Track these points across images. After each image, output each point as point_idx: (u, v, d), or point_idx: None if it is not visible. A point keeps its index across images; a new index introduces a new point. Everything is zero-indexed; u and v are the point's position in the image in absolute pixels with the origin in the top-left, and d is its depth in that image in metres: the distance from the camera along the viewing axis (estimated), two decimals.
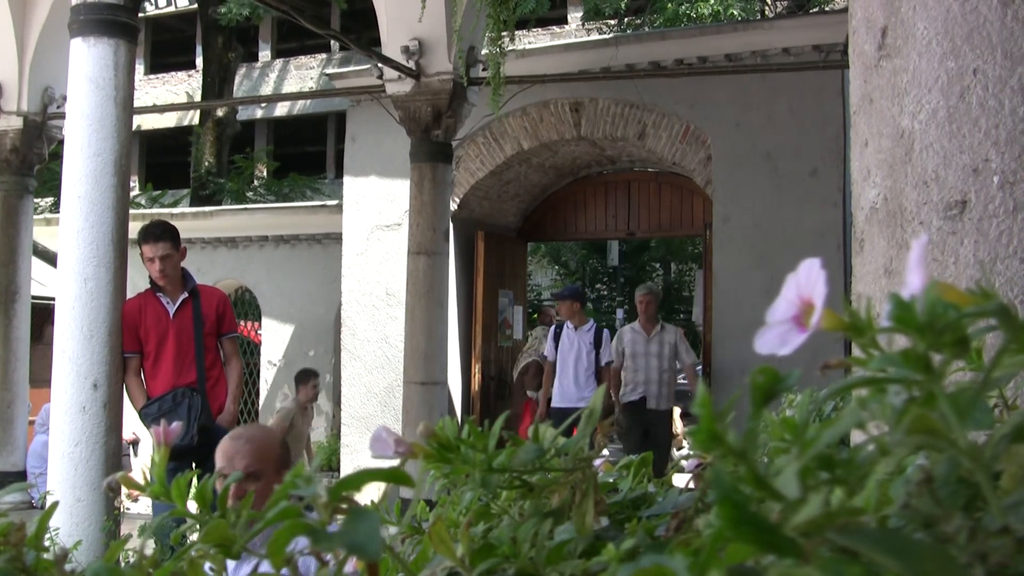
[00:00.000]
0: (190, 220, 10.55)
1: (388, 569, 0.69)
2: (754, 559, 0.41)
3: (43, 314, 9.06)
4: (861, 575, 0.36)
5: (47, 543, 0.71)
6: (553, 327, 8.35)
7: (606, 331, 8.15)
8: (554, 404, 7.91)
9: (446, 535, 0.64)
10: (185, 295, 5.01)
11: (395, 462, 0.63)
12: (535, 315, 12.56)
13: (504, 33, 6.52)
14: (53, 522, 4.21)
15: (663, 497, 0.77)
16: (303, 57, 24.78)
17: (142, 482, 0.79)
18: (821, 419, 0.91)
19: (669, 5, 14.17)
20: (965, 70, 1.31)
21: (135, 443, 8.94)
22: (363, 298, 9.47)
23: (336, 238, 9.92)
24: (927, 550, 0.37)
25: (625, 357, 7.85)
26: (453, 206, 8.81)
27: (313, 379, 8.15)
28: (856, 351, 0.49)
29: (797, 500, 0.41)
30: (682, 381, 9.63)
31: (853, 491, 0.44)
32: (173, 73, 25.81)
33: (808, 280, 0.49)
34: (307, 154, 25.61)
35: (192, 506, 0.74)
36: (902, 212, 1.39)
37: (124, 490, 0.81)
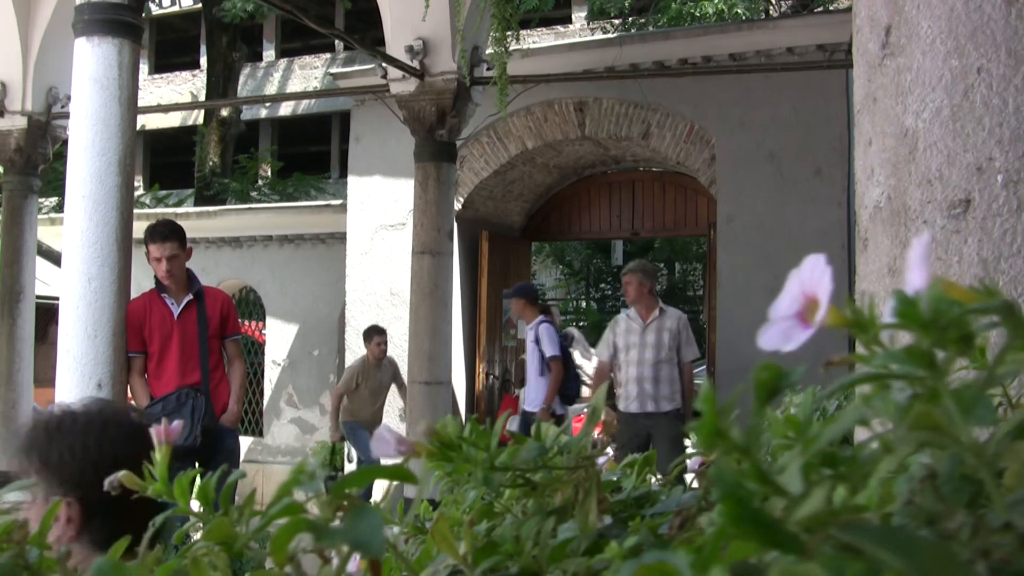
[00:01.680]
0: (194, 220, 10.54)
1: (391, 568, 0.69)
2: (757, 556, 0.40)
3: (47, 314, 9.07)
4: (864, 572, 0.36)
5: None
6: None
7: (544, 325, 7.56)
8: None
9: (449, 533, 0.64)
10: (190, 296, 5.01)
11: (398, 461, 0.63)
12: None
13: (509, 33, 6.50)
14: None
15: (666, 495, 0.77)
16: (307, 57, 24.78)
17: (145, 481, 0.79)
18: (824, 417, 0.91)
19: (673, 4, 14.15)
20: (969, 69, 1.31)
21: None
22: (367, 298, 9.48)
23: (340, 238, 9.93)
24: (930, 547, 0.37)
25: (617, 351, 6.66)
26: (457, 206, 8.81)
27: (376, 336, 8.30)
28: (859, 348, 0.49)
29: (800, 496, 0.41)
30: None
31: (856, 488, 0.44)
32: (177, 73, 25.82)
33: (812, 276, 0.48)
34: (311, 154, 25.61)
35: (195, 505, 0.74)
36: (906, 211, 1.39)
37: None
